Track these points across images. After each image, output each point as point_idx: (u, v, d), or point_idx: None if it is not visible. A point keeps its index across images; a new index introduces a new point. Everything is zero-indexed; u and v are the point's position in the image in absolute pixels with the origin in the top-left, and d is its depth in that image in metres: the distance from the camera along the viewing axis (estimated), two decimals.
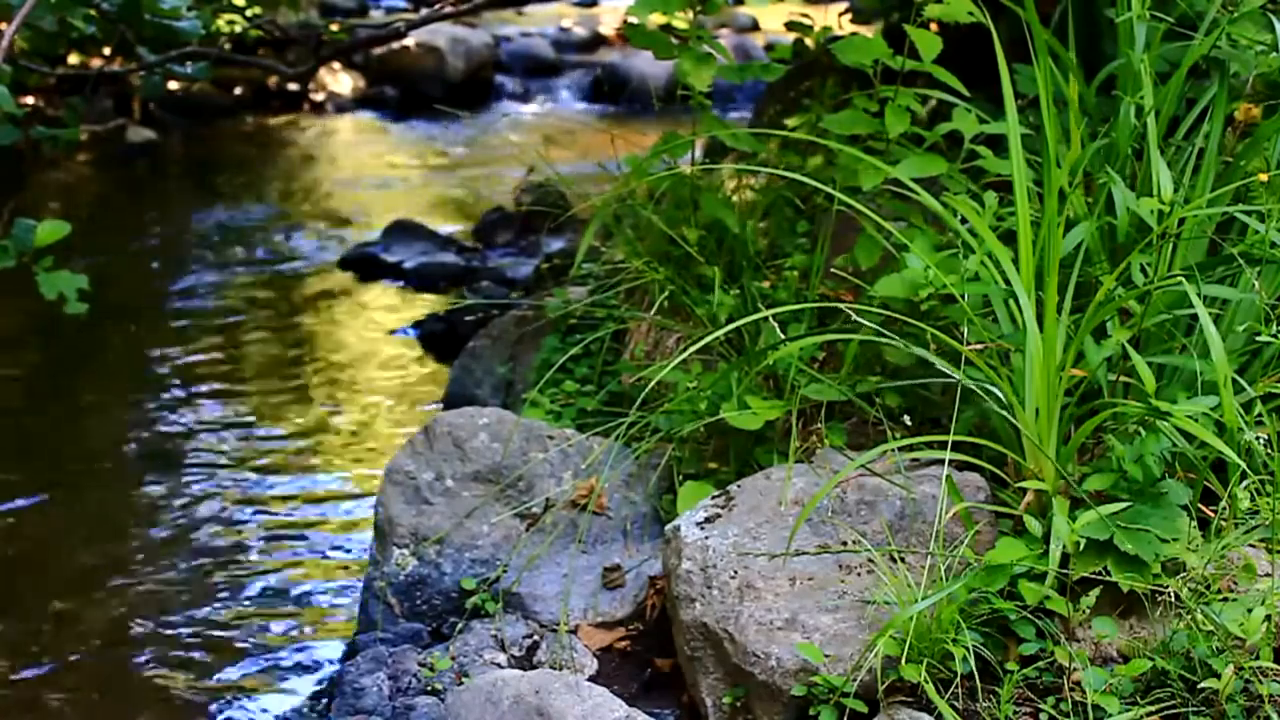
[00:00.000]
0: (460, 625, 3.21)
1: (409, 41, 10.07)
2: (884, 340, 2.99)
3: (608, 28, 11.90)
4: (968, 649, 2.48)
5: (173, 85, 9.15)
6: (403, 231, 6.80)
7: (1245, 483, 2.65)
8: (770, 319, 3.19)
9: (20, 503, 4.32)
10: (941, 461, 2.73)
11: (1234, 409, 2.60)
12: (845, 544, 2.81)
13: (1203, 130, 3.25)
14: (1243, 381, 2.75)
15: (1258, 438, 2.66)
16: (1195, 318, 2.72)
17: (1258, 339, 2.84)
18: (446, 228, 7.08)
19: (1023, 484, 2.74)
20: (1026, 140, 3.09)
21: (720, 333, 3.00)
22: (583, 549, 3.33)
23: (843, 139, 3.50)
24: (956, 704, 2.51)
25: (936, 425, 3.11)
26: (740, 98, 9.17)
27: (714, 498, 3.04)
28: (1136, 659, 2.52)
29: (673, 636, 2.93)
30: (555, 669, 3.00)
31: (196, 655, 3.56)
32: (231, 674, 3.48)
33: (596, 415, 3.69)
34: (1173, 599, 2.56)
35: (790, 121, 4.33)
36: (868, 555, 2.76)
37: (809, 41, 4.89)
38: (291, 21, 9.83)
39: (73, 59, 8.54)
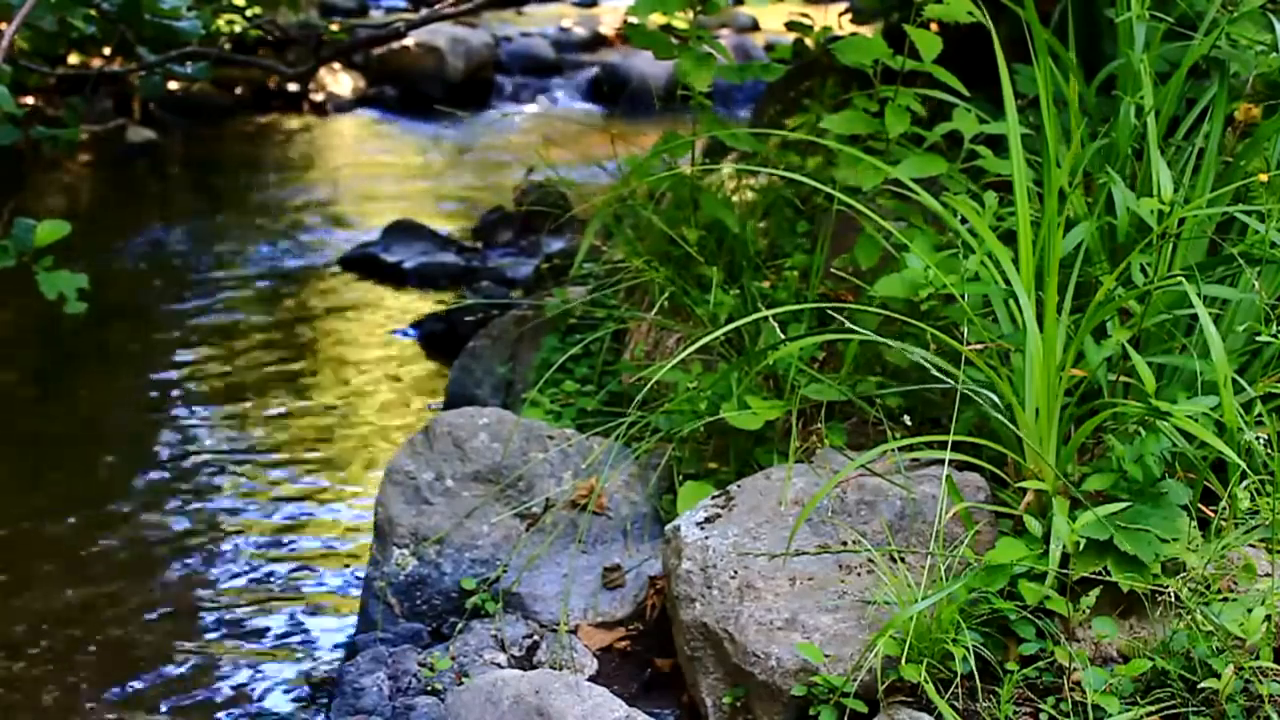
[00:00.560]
0: (460, 625, 3.21)
1: (409, 41, 10.07)
2: (884, 341, 2.99)
3: (608, 28, 11.90)
4: (968, 649, 2.48)
5: (173, 85, 9.14)
6: (403, 231, 6.79)
7: (1245, 483, 2.65)
8: (770, 319, 3.19)
9: (19, 503, 4.32)
10: (941, 461, 2.73)
11: (1234, 409, 2.60)
12: (845, 544, 2.81)
13: (1203, 130, 3.25)
14: (1243, 381, 2.75)
15: (1258, 438, 2.66)
16: (1195, 318, 2.72)
17: (1258, 339, 2.83)
18: (446, 228, 7.08)
19: (1023, 484, 2.74)
20: (1026, 140, 3.09)
21: (720, 333, 3.00)
22: (583, 549, 3.33)
23: (843, 139, 3.50)
24: (956, 704, 2.51)
25: (937, 425, 3.11)
26: (740, 98, 9.16)
27: (714, 498, 3.04)
28: (1136, 659, 2.51)
29: (673, 636, 2.93)
30: (555, 669, 3.00)
31: (196, 655, 3.56)
32: (231, 674, 3.48)
33: (596, 415, 3.69)
34: (1173, 599, 2.56)
35: (790, 121, 4.33)
36: (868, 555, 2.76)
37: (809, 41, 4.89)
38: (291, 21, 9.83)
39: (73, 59, 8.53)
